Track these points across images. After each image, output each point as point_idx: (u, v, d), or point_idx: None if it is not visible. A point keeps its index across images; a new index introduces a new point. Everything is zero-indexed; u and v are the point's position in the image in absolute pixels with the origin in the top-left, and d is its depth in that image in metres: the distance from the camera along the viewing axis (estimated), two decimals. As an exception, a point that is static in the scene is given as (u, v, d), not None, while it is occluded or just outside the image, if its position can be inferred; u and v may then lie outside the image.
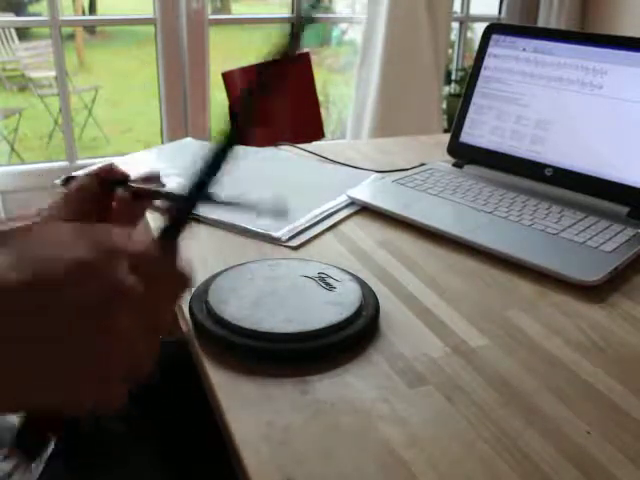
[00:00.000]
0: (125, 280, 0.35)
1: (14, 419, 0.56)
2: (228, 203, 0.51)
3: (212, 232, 0.79)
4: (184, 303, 0.60)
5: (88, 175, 0.67)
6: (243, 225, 0.79)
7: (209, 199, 0.48)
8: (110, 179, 0.67)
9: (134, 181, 0.70)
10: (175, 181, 0.95)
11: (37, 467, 0.58)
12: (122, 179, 0.69)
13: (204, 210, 0.82)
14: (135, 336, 0.35)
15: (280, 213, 0.59)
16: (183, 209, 0.45)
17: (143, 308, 0.36)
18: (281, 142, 1.15)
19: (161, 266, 0.39)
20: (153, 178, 0.71)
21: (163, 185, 0.71)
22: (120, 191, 0.69)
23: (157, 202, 0.70)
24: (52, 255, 0.33)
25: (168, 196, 0.69)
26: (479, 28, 2.90)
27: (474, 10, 2.74)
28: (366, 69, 2.40)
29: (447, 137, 1.05)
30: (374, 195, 0.90)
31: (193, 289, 0.62)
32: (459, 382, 0.53)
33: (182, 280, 0.40)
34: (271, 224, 0.79)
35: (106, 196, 0.67)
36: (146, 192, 0.70)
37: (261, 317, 0.56)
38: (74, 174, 0.75)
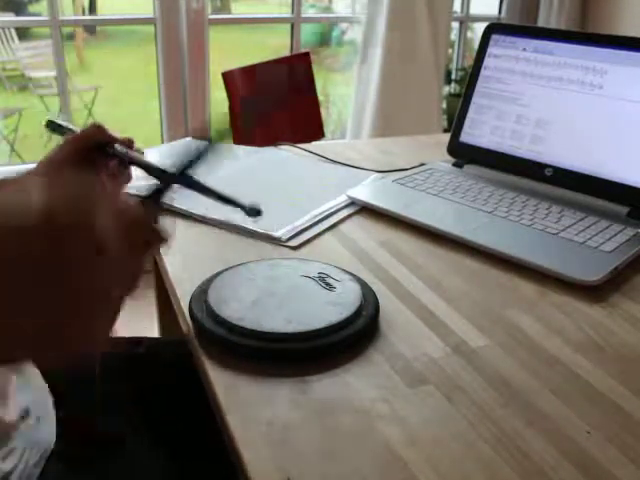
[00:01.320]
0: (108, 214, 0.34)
1: (13, 418, 0.56)
2: (207, 189, 0.52)
3: (212, 232, 0.79)
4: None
5: (72, 140, 0.68)
6: (243, 225, 0.79)
7: (191, 179, 0.51)
8: (100, 141, 0.68)
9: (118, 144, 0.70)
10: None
11: (37, 466, 0.58)
12: (110, 141, 0.69)
13: (204, 210, 0.82)
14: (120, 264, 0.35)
15: (254, 212, 0.60)
16: (167, 181, 0.49)
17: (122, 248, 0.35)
18: (281, 142, 1.15)
19: (141, 222, 0.39)
20: (131, 143, 0.72)
21: (141, 152, 0.73)
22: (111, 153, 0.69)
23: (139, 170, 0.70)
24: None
25: (150, 167, 0.70)
26: (479, 28, 2.90)
27: (474, 10, 2.73)
28: (366, 69, 2.40)
29: (447, 137, 1.05)
30: (374, 195, 0.90)
31: (193, 289, 0.62)
32: (459, 382, 0.53)
33: (157, 235, 0.40)
34: (271, 224, 0.79)
35: (92, 160, 0.68)
36: (131, 159, 0.70)
37: (261, 317, 0.56)
38: (58, 121, 0.75)
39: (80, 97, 4.73)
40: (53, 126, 0.74)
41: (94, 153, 0.68)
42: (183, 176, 0.51)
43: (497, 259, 0.74)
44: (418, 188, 0.92)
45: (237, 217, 0.81)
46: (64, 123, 0.74)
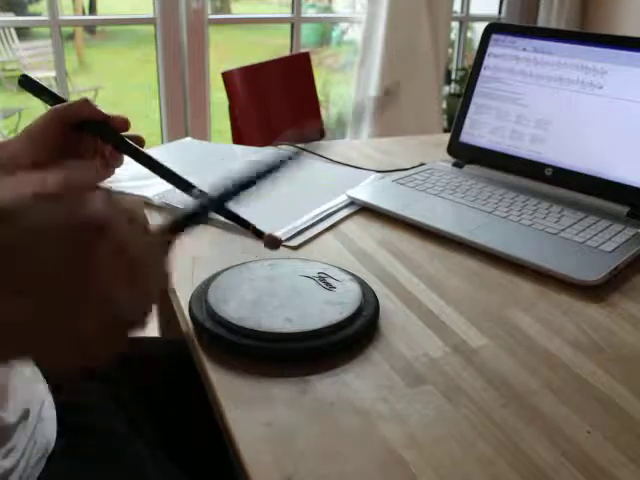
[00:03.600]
0: (100, 211, 0.30)
1: (13, 418, 0.56)
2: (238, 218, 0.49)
3: (212, 232, 0.79)
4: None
5: (48, 114, 0.62)
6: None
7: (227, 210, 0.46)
8: (84, 119, 0.63)
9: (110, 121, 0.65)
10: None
11: (38, 465, 0.58)
12: (97, 120, 0.64)
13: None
14: (115, 280, 0.31)
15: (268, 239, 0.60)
16: (200, 211, 0.42)
17: (124, 251, 0.31)
18: (281, 142, 1.15)
19: (154, 248, 0.35)
20: (121, 121, 0.66)
21: (139, 140, 0.68)
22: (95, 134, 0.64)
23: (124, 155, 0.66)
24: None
25: (176, 178, 0.66)
26: (479, 28, 2.90)
27: (474, 10, 2.74)
28: (366, 69, 2.40)
29: (447, 137, 1.05)
30: (374, 195, 0.90)
31: (193, 289, 0.62)
32: (459, 382, 0.53)
33: (162, 273, 0.35)
34: (271, 224, 0.79)
35: (77, 136, 0.63)
36: (117, 138, 0.65)
37: (261, 317, 0.56)
38: (30, 75, 0.68)
39: (80, 97, 4.73)
40: (28, 83, 0.67)
41: (81, 130, 0.63)
42: (222, 201, 0.45)
43: (497, 259, 0.74)
44: (418, 188, 0.92)
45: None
46: (40, 82, 0.67)
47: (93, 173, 0.33)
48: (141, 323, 0.33)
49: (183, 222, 0.39)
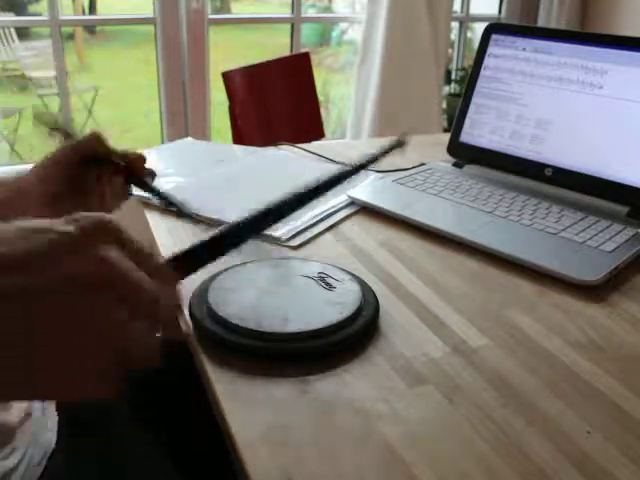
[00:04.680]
0: (110, 257, 0.32)
1: (16, 419, 0.56)
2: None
3: (212, 232, 0.79)
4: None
5: (63, 149, 0.65)
6: (243, 225, 0.79)
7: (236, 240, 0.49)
8: (93, 155, 0.66)
9: (118, 157, 0.68)
10: (174, 181, 0.95)
11: (40, 465, 0.58)
12: (105, 156, 0.67)
13: (204, 209, 0.82)
14: (123, 321, 0.33)
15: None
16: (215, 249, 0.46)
17: (133, 294, 0.33)
18: (281, 142, 1.15)
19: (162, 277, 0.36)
20: (138, 159, 0.69)
21: (152, 174, 0.71)
22: (107, 170, 0.67)
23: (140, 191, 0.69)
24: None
25: (149, 186, 0.69)
26: (479, 28, 2.90)
27: (474, 10, 2.74)
28: (366, 69, 2.40)
29: (447, 137, 1.05)
30: (374, 195, 0.90)
31: (193, 289, 0.62)
32: (459, 382, 0.53)
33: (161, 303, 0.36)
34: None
35: (86, 171, 0.66)
36: (133, 173, 0.68)
37: (261, 317, 0.56)
38: (44, 112, 0.74)
39: (80, 97, 4.73)
40: (41, 119, 0.70)
41: (91, 164, 0.66)
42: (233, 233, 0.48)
43: (497, 259, 0.74)
44: (418, 188, 0.92)
45: (237, 217, 0.81)
46: (53, 118, 0.71)
47: (107, 221, 0.34)
48: (149, 356, 0.35)
49: (188, 258, 0.41)
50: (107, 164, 0.67)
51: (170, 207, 0.74)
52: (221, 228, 0.43)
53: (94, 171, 0.67)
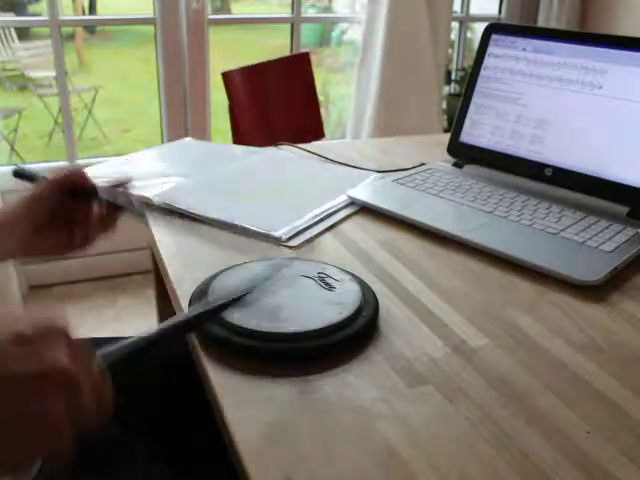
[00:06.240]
0: (62, 360, 0.39)
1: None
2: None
3: (212, 232, 0.79)
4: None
5: (49, 183, 0.73)
6: (243, 225, 0.79)
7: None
8: (75, 189, 0.73)
9: (103, 190, 0.75)
10: (174, 181, 0.95)
11: (34, 466, 0.58)
12: (88, 189, 0.74)
13: (204, 209, 0.82)
14: (62, 417, 0.38)
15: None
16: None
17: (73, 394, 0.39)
18: (281, 142, 1.15)
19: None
20: (121, 185, 0.77)
21: (128, 196, 0.76)
22: (95, 202, 0.74)
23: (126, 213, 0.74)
24: None
25: (134, 209, 0.74)
26: (479, 28, 2.90)
27: (474, 10, 2.73)
28: (366, 69, 2.40)
29: (447, 137, 1.05)
30: (374, 195, 0.90)
31: (193, 289, 0.62)
32: (459, 382, 0.53)
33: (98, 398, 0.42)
34: (271, 224, 0.79)
35: (70, 204, 0.73)
36: (115, 205, 0.75)
37: (261, 317, 0.56)
38: (24, 167, 0.79)
39: (80, 97, 4.73)
40: (21, 174, 0.77)
41: (75, 197, 0.72)
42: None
43: (497, 259, 0.74)
44: (418, 188, 0.92)
45: (237, 217, 0.81)
46: (33, 171, 0.78)
47: (63, 322, 0.41)
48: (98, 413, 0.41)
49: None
50: (89, 197, 0.74)
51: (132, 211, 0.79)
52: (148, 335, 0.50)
53: (77, 204, 0.73)
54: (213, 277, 0.63)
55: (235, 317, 0.56)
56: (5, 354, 0.38)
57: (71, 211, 0.73)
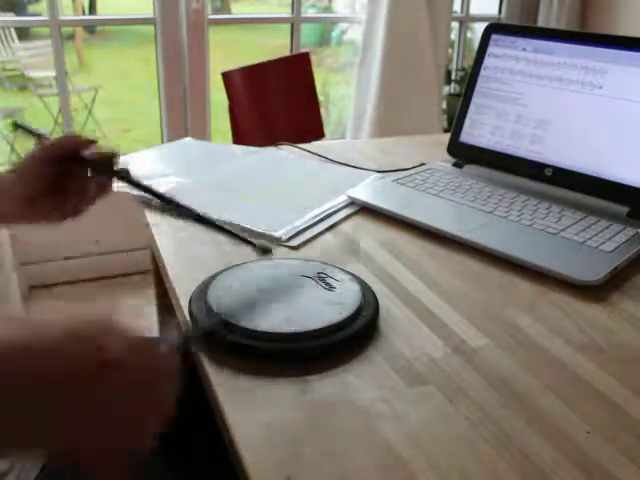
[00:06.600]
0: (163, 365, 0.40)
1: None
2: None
3: (212, 232, 0.79)
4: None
5: (41, 150, 0.70)
6: (243, 225, 0.79)
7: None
8: (69, 154, 0.70)
9: (91, 156, 0.72)
10: (174, 181, 0.95)
11: (34, 468, 0.58)
12: (81, 155, 0.71)
13: (204, 209, 0.82)
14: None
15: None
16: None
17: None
18: (281, 142, 1.15)
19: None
20: (112, 155, 0.73)
21: (124, 170, 0.74)
22: (81, 167, 0.71)
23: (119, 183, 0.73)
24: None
25: (126, 176, 0.73)
26: (479, 28, 2.90)
27: (474, 10, 2.73)
28: (366, 69, 2.40)
29: (447, 137, 1.05)
30: (374, 195, 0.90)
31: (193, 289, 0.62)
32: (459, 382, 0.53)
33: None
34: (271, 224, 0.79)
35: (63, 170, 0.71)
36: (103, 167, 0.72)
37: (261, 317, 0.56)
38: (25, 124, 0.77)
39: (80, 97, 4.73)
40: (20, 128, 0.76)
41: (70, 164, 0.70)
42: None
43: (497, 259, 0.74)
44: (418, 188, 0.92)
45: (237, 217, 0.81)
46: (31, 127, 0.76)
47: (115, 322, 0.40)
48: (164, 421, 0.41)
49: (187, 346, 0.47)
50: (83, 162, 0.71)
51: (159, 201, 0.78)
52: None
53: (71, 170, 0.71)
54: (213, 277, 0.63)
55: (235, 317, 0.56)
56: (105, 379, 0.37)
57: (64, 178, 0.71)
